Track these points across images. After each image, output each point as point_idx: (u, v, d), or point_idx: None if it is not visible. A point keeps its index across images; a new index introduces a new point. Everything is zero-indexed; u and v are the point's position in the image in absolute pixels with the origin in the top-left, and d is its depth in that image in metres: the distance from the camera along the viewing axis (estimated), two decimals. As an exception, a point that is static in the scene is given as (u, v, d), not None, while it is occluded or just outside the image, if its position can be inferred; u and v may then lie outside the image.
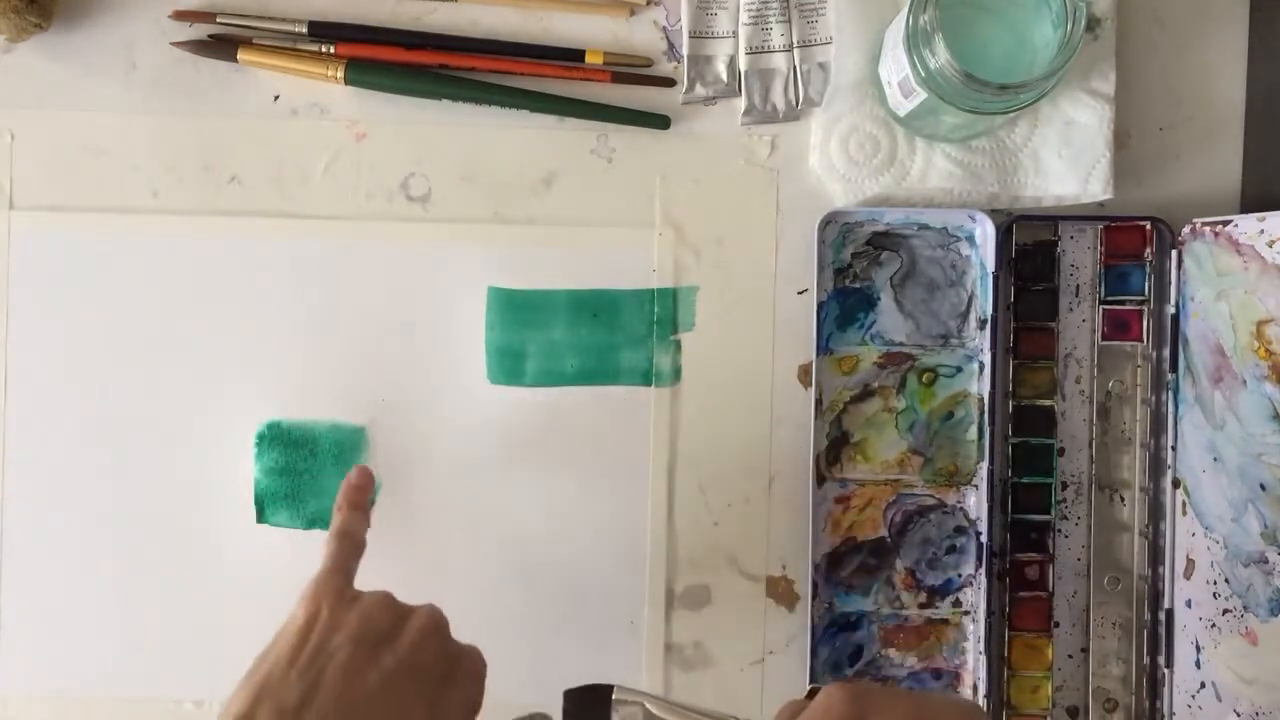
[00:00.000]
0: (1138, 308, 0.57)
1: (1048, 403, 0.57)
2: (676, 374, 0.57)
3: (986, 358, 0.56)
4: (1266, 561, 0.52)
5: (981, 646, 0.57)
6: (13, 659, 0.56)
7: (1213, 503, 0.54)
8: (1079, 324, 0.58)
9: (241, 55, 0.55)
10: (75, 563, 0.56)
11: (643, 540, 0.56)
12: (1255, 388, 0.52)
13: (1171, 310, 0.56)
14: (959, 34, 0.48)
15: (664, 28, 0.57)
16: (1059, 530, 0.58)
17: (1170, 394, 0.56)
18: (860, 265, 0.57)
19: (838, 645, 0.57)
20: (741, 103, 0.56)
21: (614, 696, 0.43)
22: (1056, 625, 0.58)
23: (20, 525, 0.56)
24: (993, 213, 0.56)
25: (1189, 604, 0.56)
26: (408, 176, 0.56)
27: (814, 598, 0.56)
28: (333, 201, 0.56)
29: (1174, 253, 0.56)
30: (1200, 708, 0.55)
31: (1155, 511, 0.57)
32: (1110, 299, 0.57)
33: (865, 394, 0.57)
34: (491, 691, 0.55)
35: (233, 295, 0.56)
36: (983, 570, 0.57)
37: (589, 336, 0.56)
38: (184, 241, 0.56)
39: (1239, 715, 0.54)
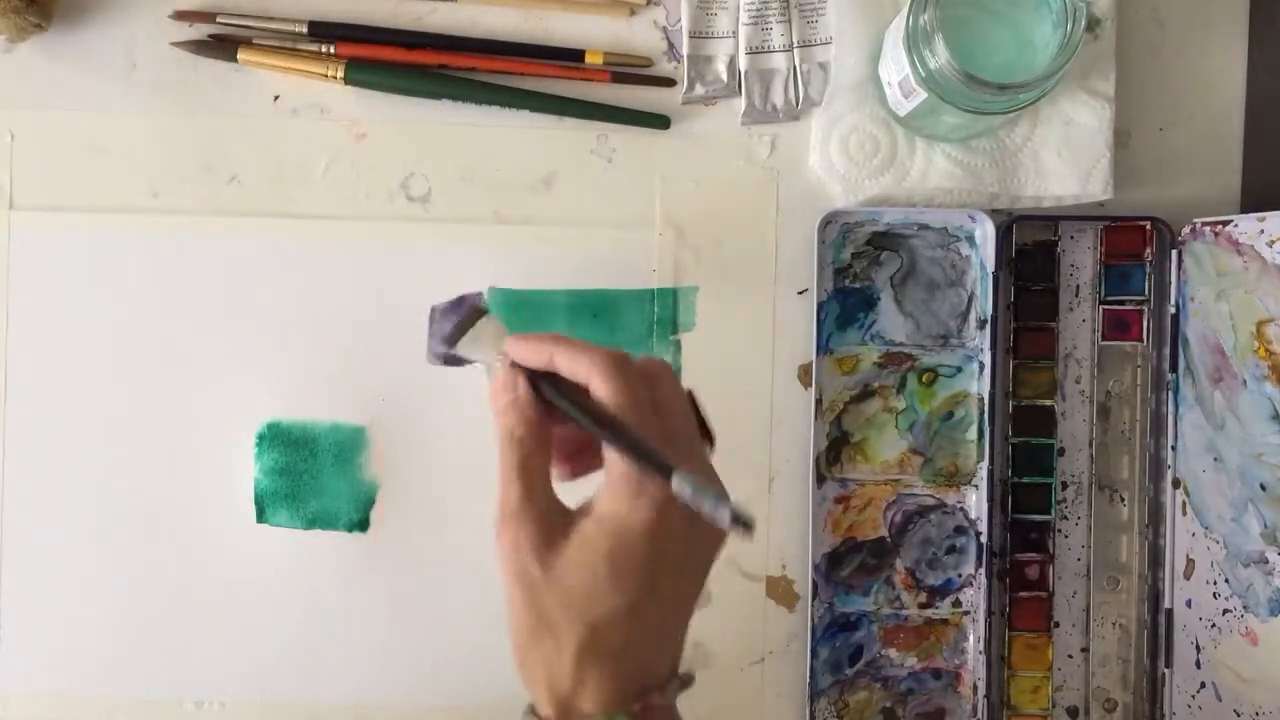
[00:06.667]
0: (1138, 308, 0.57)
1: (1048, 403, 0.57)
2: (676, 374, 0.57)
3: (986, 358, 0.56)
4: (1266, 561, 0.52)
5: (981, 646, 0.57)
6: (13, 659, 0.56)
7: (1213, 503, 0.54)
8: (1079, 324, 0.58)
9: (241, 55, 0.55)
10: (75, 562, 0.56)
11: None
12: (1255, 388, 0.52)
13: (1171, 310, 0.56)
14: (959, 34, 0.48)
15: (664, 28, 0.57)
16: (1059, 530, 0.58)
17: (1170, 394, 0.56)
18: (860, 265, 0.57)
19: (838, 645, 0.57)
20: (741, 103, 0.56)
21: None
22: (1056, 625, 0.58)
23: (20, 525, 0.56)
24: (993, 213, 0.56)
25: (1189, 604, 0.56)
26: (408, 176, 0.56)
27: (814, 598, 0.56)
28: (333, 201, 0.56)
29: (1174, 253, 0.56)
30: (1200, 708, 0.55)
31: (1155, 511, 0.57)
32: (1110, 299, 0.57)
33: (865, 394, 0.57)
34: (492, 691, 0.56)
35: (233, 295, 0.56)
36: (983, 570, 0.57)
37: (589, 336, 0.56)
38: (184, 241, 0.56)
39: (1239, 715, 0.53)
